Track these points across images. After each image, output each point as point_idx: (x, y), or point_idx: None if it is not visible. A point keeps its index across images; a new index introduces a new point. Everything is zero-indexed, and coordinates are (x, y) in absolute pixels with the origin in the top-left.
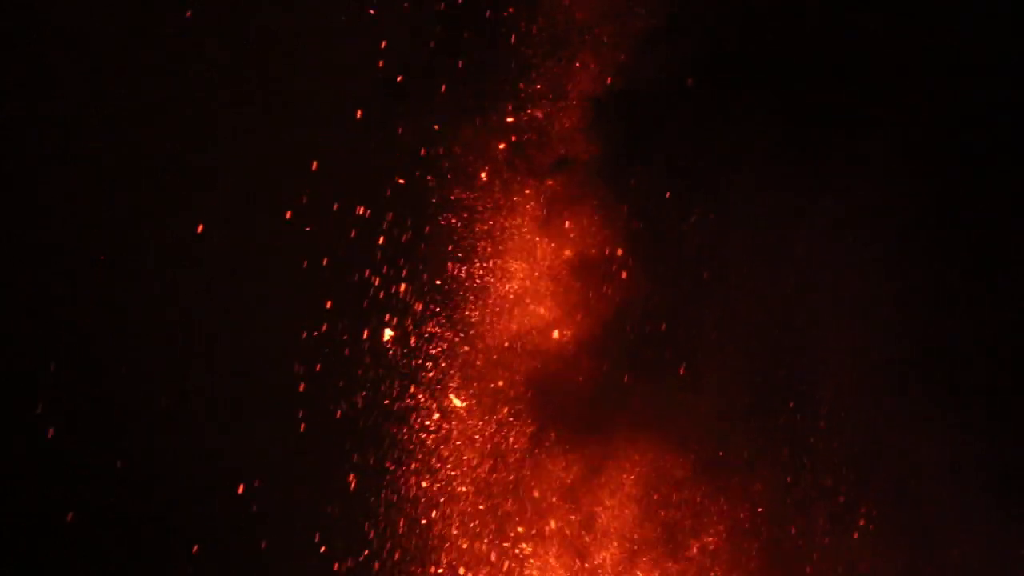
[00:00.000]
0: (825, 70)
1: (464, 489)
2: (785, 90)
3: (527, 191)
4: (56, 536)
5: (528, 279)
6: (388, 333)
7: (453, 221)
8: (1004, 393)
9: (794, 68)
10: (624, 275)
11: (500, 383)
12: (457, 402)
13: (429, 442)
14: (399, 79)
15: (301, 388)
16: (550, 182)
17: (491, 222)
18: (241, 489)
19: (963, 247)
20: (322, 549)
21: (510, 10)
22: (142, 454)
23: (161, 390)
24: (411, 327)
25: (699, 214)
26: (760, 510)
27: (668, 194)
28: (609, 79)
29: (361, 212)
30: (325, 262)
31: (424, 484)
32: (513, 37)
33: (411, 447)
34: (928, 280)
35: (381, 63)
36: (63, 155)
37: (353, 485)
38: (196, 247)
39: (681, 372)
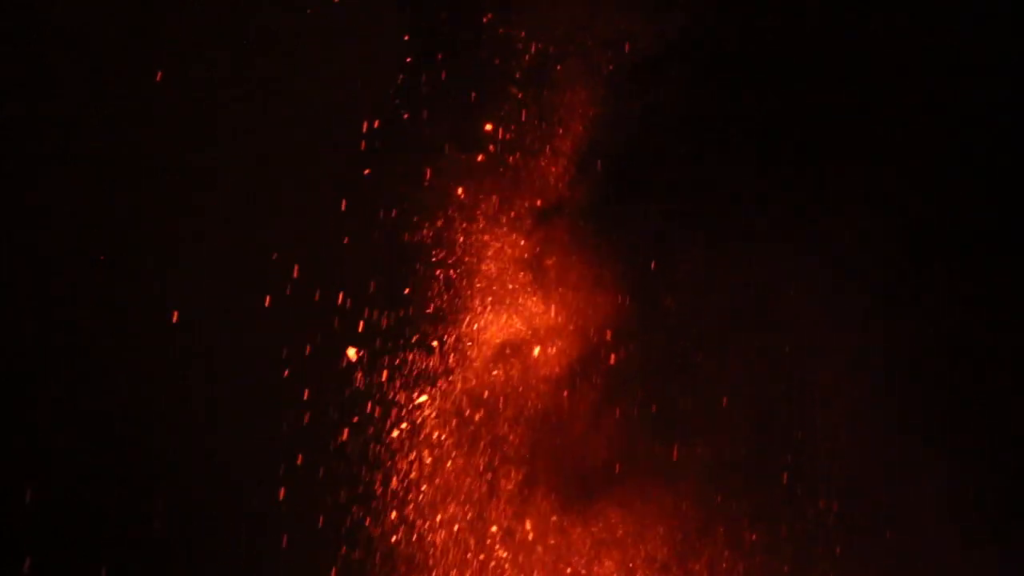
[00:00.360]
0: (825, 72)
1: (448, 544)
2: (784, 91)
3: (513, 237)
4: (56, 536)
5: (512, 326)
6: (352, 353)
7: (436, 272)
8: (1006, 439)
9: (794, 68)
10: (614, 328)
11: (483, 433)
12: (443, 449)
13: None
14: (376, 124)
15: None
16: (538, 228)
17: (475, 268)
18: None
19: (967, 286)
20: None
21: (498, 29)
22: (142, 454)
23: (161, 391)
24: (389, 379)
25: (691, 258)
26: (754, 536)
27: (662, 243)
28: (600, 123)
29: (345, 241)
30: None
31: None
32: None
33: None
34: (929, 325)
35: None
36: (63, 155)
37: None
38: (196, 247)
39: (677, 422)
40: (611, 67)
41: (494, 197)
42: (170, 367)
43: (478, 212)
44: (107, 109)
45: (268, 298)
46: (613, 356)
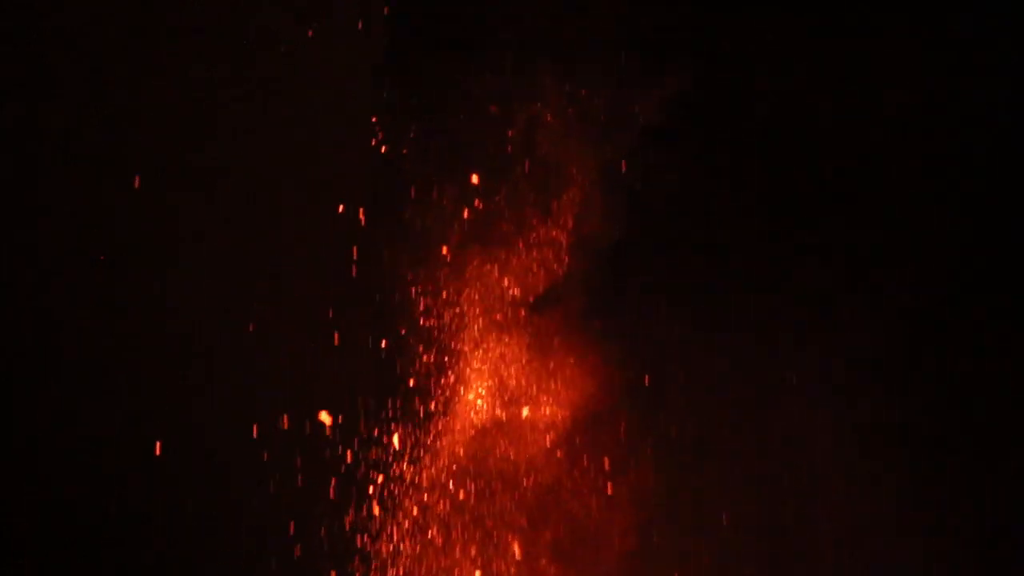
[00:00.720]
0: (832, 142)
1: None
2: (789, 159)
3: (508, 327)
4: (56, 536)
5: (504, 413)
6: (326, 417)
7: (423, 352)
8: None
9: (796, 133)
10: (609, 436)
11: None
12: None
13: None
14: (362, 215)
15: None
16: (534, 317)
17: (469, 355)
18: None
19: (981, 380)
20: None
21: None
22: (142, 455)
23: (161, 391)
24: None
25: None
26: None
27: (657, 339)
28: (595, 191)
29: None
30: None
31: None
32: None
33: None
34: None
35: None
36: (63, 155)
37: None
38: (196, 247)
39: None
40: (606, 125)
41: (479, 249)
42: (170, 367)
43: (464, 269)
44: (107, 109)
45: (263, 298)
46: (608, 471)
